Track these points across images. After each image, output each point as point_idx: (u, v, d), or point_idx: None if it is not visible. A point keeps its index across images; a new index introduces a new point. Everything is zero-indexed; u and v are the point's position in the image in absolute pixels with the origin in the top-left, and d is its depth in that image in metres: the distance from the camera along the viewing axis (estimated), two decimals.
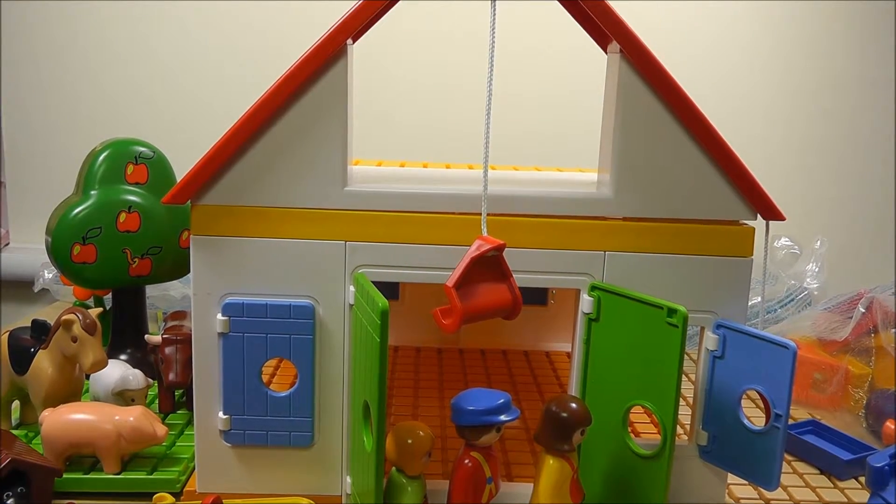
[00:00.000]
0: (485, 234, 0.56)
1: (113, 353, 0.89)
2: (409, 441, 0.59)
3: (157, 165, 0.87)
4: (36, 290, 1.20)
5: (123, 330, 0.91)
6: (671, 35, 1.25)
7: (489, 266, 0.55)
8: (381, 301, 0.54)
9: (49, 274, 1.18)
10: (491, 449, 0.60)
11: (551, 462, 0.58)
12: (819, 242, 1.18)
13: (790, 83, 1.32)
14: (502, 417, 0.58)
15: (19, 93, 1.32)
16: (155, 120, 1.31)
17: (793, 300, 1.11)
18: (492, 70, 0.55)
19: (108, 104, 1.32)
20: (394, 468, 0.60)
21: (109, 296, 0.98)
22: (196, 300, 0.63)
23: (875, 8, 1.30)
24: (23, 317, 1.23)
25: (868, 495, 0.62)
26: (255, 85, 1.27)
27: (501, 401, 0.58)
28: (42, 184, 1.34)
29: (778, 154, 1.33)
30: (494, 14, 0.54)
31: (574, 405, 0.58)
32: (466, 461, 0.59)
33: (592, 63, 0.97)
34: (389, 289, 1.01)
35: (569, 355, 1.02)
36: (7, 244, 1.36)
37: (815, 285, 1.15)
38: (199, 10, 1.29)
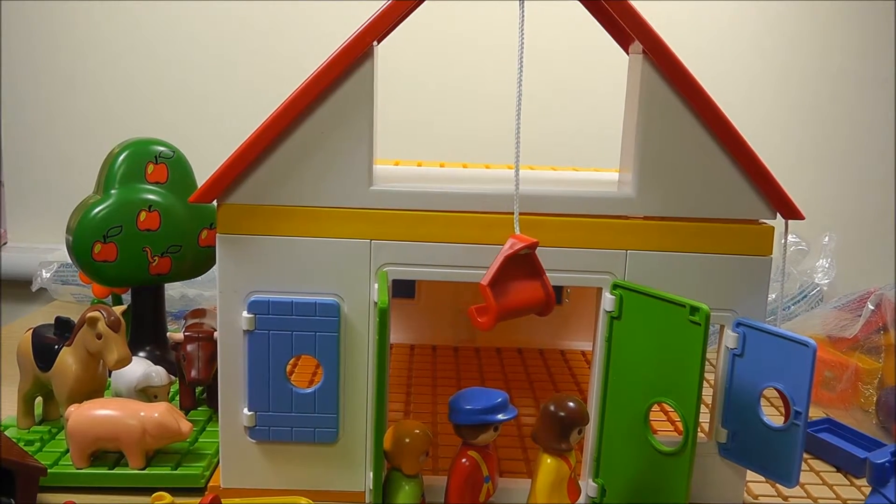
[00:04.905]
0: (517, 232, 0.57)
1: (132, 351, 0.89)
2: (407, 440, 0.59)
3: (176, 165, 0.87)
4: (34, 290, 1.21)
5: (143, 327, 0.91)
6: (674, 34, 1.25)
7: (521, 264, 0.56)
8: (381, 300, 0.56)
9: (47, 273, 1.19)
10: (488, 448, 0.61)
11: (549, 461, 0.59)
12: (827, 238, 1.18)
13: (798, 77, 1.32)
14: (499, 416, 0.59)
15: (18, 92, 1.32)
16: (154, 120, 1.31)
17: (805, 297, 1.12)
18: (521, 70, 0.55)
19: (107, 104, 1.32)
20: (391, 467, 0.61)
21: (127, 294, 0.98)
22: (222, 298, 0.64)
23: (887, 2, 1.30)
24: (20, 316, 1.24)
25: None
26: (255, 85, 1.30)
27: (499, 400, 0.59)
28: (40, 183, 1.35)
29: (783, 149, 1.33)
30: (523, 14, 0.55)
31: (572, 405, 0.58)
32: (464, 460, 0.60)
33: (607, 63, 0.98)
34: (406, 287, 1.01)
35: (584, 354, 1.03)
36: (5, 243, 1.36)
37: (826, 281, 1.15)
38: (196, 9, 1.29)
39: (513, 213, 0.57)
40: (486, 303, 0.53)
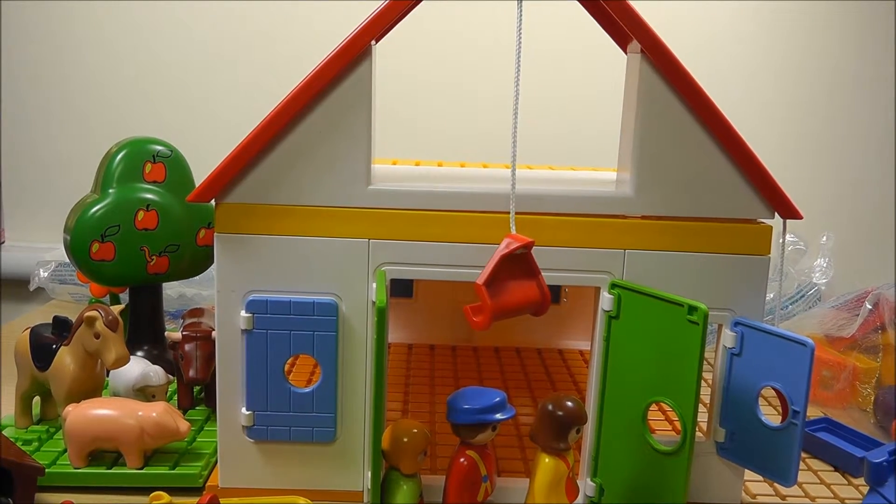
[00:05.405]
0: (513, 231, 0.57)
1: (130, 350, 0.89)
2: (405, 439, 0.59)
3: (174, 164, 0.87)
4: (32, 289, 1.20)
5: (141, 327, 0.91)
6: (673, 33, 1.25)
7: (518, 263, 0.56)
8: (379, 300, 0.57)
9: (45, 273, 1.18)
10: (486, 447, 0.61)
11: (547, 461, 0.59)
12: (825, 237, 1.18)
13: (796, 77, 1.32)
14: (498, 416, 0.59)
15: (16, 92, 1.32)
16: (152, 119, 1.31)
17: (803, 296, 1.12)
18: (518, 69, 0.55)
19: (105, 104, 1.32)
20: (389, 466, 0.61)
21: (125, 293, 0.98)
22: (220, 297, 0.64)
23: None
24: (18, 315, 1.24)
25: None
26: (254, 84, 1.30)
27: (497, 399, 0.59)
28: (37, 182, 1.35)
29: (781, 149, 1.33)
30: (521, 14, 0.55)
31: (570, 404, 0.58)
32: (462, 460, 0.60)
33: (605, 62, 0.98)
34: (404, 287, 1.01)
35: (582, 353, 1.03)
36: (3, 242, 1.36)
37: (824, 281, 1.15)
38: (196, 9, 1.29)
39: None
40: (481, 302, 0.53)
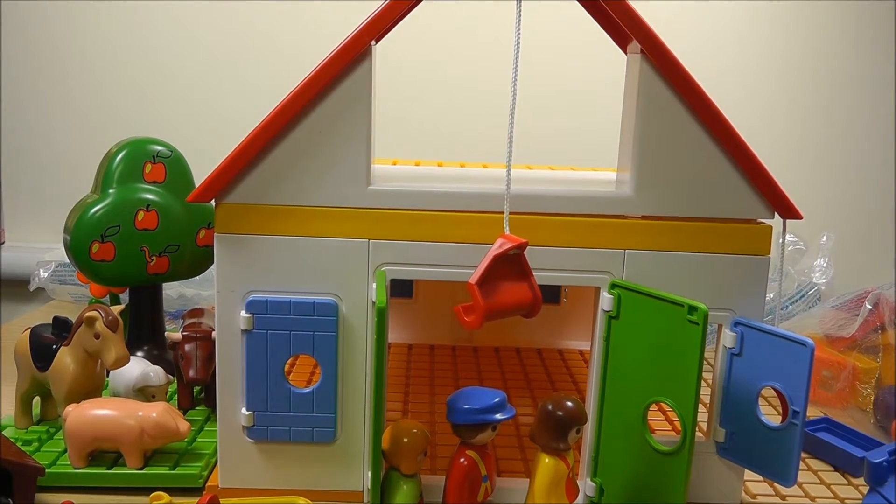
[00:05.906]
0: (507, 232, 0.57)
1: (130, 350, 0.89)
2: (405, 440, 0.60)
3: (174, 164, 0.87)
4: (32, 289, 1.21)
5: (141, 327, 0.91)
6: (672, 33, 1.25)
7: (510, 264, 0.56)
8: (379, 300, 0.57)
9: (45, 273, 1.18)
10: (486, 447, 0.61)
11: (547, 461, 0.59)
12: (825, 237, 1.19)
13: (796, 77, 1.32)
14: (498, 416, 0.59)
15: (16, 91, 1.32)
16: (152, 119, 1.31)
17: (803, 296, 1.12)
18: (516, 69, 0.55)
19: (105, 104, 1.32)
20: (389, 466, 0.61)
21: (125, 294, 0.98)
22: (220, 297, 0.64)
23: None
24: (18, 316, 1.24)
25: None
26: (254, 84, 1.30)
27: (497, 399, 0.59)
28: (37, 183, 1.35)
29: (781, 149, 1.33)
30: (520, 14, 0.55)
31: (570, 404, 0.58)
32: (462, 460, 0.60)
33: (605, 62, 0.98)
34: (404, 287, 1.01)
35: (582, 353, 1.03)
36: (3, 242, 1.36)
37: (824, 281, 1.16)
38: (196, 9, 1.29)
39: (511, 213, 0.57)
40: (473, 302, 0.53)
